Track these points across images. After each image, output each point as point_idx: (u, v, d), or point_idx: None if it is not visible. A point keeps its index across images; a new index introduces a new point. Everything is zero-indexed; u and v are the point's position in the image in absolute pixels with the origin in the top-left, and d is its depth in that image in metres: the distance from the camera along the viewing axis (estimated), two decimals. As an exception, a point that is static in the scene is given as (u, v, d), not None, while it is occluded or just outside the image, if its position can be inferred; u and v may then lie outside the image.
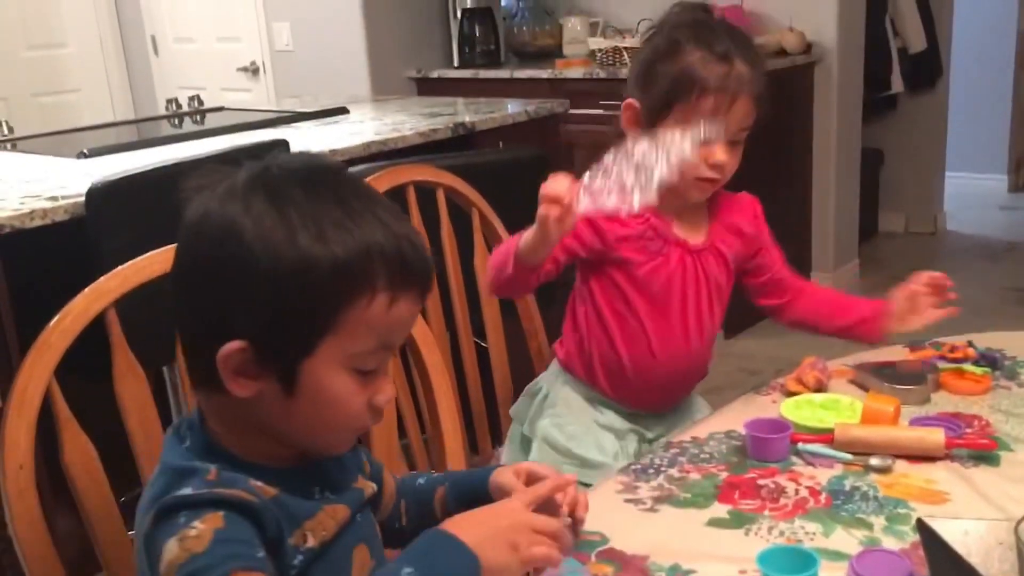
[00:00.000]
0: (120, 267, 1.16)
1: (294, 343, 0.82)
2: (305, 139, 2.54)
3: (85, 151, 2.43)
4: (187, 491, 0.81)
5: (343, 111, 3.04)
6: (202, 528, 0.78)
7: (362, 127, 2.75)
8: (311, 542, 0.85)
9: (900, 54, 4.52)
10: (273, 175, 0.83)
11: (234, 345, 0.81)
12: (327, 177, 0.85)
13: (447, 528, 0.85)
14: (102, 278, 1.14)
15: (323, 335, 0.82)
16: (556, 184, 1.20)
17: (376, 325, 0.83)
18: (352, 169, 2.19)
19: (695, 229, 1.47)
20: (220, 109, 3.45)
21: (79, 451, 1.09)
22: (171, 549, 0.78)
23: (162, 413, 1.18)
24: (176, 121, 3.31)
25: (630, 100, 1.40)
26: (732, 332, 3.66)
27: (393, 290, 0.83)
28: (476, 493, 1.04)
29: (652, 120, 1.37)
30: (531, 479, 1.02)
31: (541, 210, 1.21)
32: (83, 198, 1.85)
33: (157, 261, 1.17)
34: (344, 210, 0.81)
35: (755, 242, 1.51)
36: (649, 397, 1.51)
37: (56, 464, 1.09)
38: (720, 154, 1.37)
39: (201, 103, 3.42)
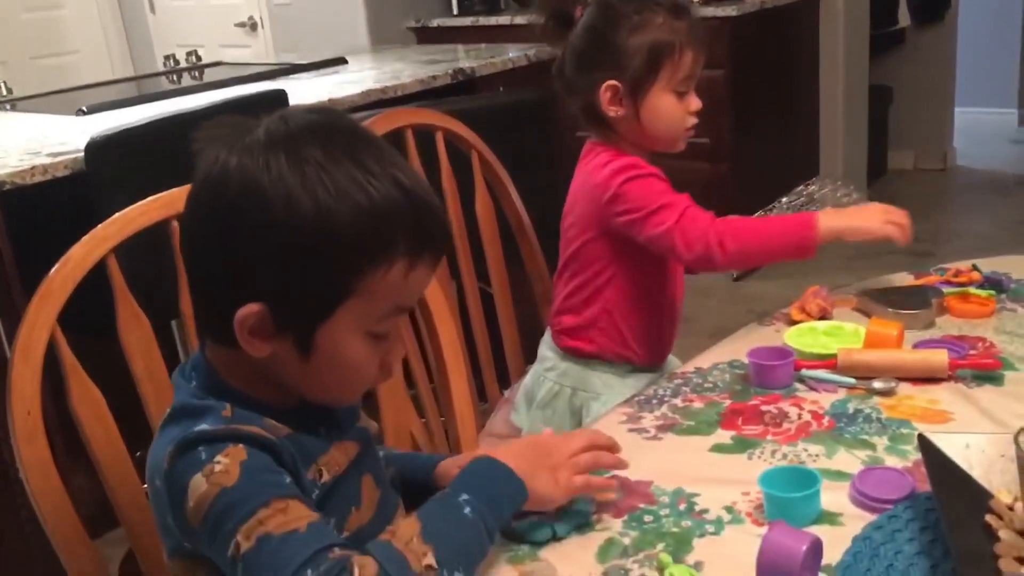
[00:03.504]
0: (119, 213, 1.16)
1: (312, 307, 0.82)
2: (303, 89, 2.52)
3: (84, 108, 2.42)
4: (204, 426, 0.82)
5: (341, 61, 3.02)
6: (227, 462, 0.79)
7: (361, 76, 2.73)
8: (325, 477, 0.87)
9: (906, -13, 4.45)
10: (293, 134, 0.81)
11: (252, 308, 0.81)
12: (344, 134, 0.83)
13: (500, 455, 0.89)
14: (102, 224, 1.14)
15: (341, 300, 0.82)
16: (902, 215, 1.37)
17: (394, 290, 0.83)
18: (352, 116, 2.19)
19: None
20: (218, 64, 3.43)
21: (86, 397, 1.10)
22: (198, 485, 0.79)
23: (169, 361, 1.19)
24: (174, 77, 3.30)
25: (610, 82, 1.44)
26: (740, 275, 3.65)
27: (412, 256, 0.82)
28: (419, 478, 1.04)
29: (636, 92, 1.43)
30: None
31: (891, 230, 1.35)
32: (82, 153, 1.85)
33: (156, 207, 1.17)
34: (363, 172, 0.80)
35: None
36: (669, 342, 1.57)
37: (72, 426, 1.10)
38: (698, 102, 1.47)
39: (199, 59, 3.40)
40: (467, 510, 0.83)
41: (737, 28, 3.51)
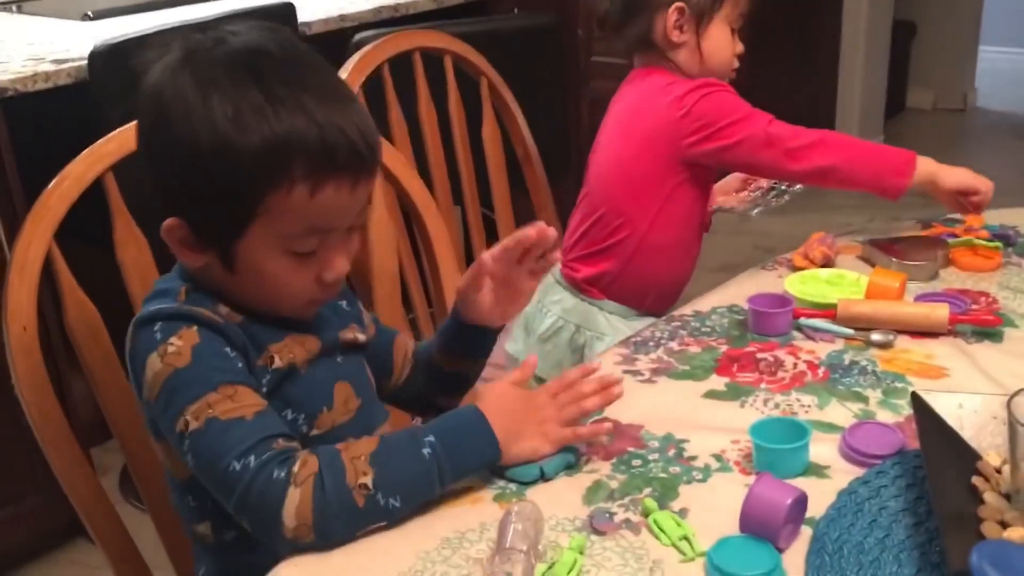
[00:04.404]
0: (117, 131, 1.14)
1: (222, 225, 0.85)
2: (312, 2, 2.46)
3: (90, 13, 2.37)
4: (160, 306, 0.86)
5: (354, -26, 2.94)
6: (180, 344, 0.83)
7: (372, -9, 2.66)
8: (278, 363, 0.89)
9: (939, -81, 4.31)
10: (203, 56, 0.84)
11: (172, 221, 0.86)
12: (258, 60, 0.84)
13: (484, 406, 0.89)
14: (99, 141, 1.13)
15: (248, 220, 0.84)
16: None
17: (301, 212, 0.84)
18: (360, 35, 2.15)
19: None
20: (227, -29, 3.34)
21: (83, 315, 1.10)
22: (154, 363, 0.84)
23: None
24: (182, -17, 3.22)
25: (679, 4, 1.44)
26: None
27: (314, 179, 0.83)
28: (448, 322, 1.09)
29: (701, 19, 1.45)
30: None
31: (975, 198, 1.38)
32: (86, 61, 1.82)
33: (154, 125, 1.16)
34: (267, 97, 0.81)
35: None
36: (681, 288, 1.58)
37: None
38: (741, 45, 1.50)
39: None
40: (426, 451, 0.84)
41: (761, -44, 3.42)
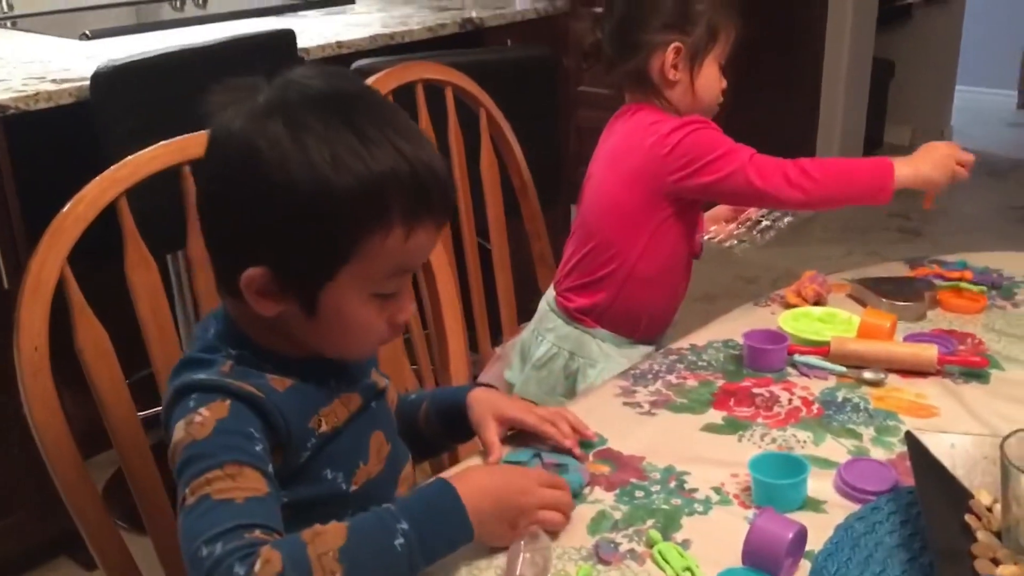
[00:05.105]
0: (131, 156, 1.16)
1: (312, 270, 0.84)
2: (311, 29, 2.49)
3: (87, 33, 2.39)
4: (201, 376, 0.85)
5: (349, 1, 2.98)
6: (207, 416, 0.82)
7: (368, 19, 2.70)
8: (324, 427, 0.89)
9: (919, -38, 4.42)
10: (291, 100, 0.83)
11: (256, 271, 0.84)
12: (345, 102, 0.84)
13: (460, 486, 0.85)
14: (114, 167, 1.14)
15: (340, 264, 0.84)
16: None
17: (394, 254, 0.84)
18: (359, 63, 2.18)
19: None
20: (223, -7, 3.37)
21: (92, 336, 1.11)
22: (179, 430, 0.83)
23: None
24: (177, 3, 3.24)
25: (676, 44, 1.48)
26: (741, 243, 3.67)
27: (410, 221, 0.84)
28: (454, 409, 1.08)
29: (695, 58, 1.49)
30: (511, 424, 1.05)
31: (959, 174, 1.43)
32: (87, 82, 1.83)
33: (168, 151, 1.18)
34: (360, 138, 0.81)
35: None
36: (672, 316, 1.62)
37: (60, 347, 1.11)
38: (724, 80, 1.55)
39: (204, -14, 3.34)
40: (399, 541, 0.79)
41: (748, -7, 3.49)
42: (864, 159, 1.46)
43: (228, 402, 0.83)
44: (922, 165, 1.42)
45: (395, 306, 0.89)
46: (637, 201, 1.51)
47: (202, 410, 0.83)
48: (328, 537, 0.77)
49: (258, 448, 0.82)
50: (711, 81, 1.51)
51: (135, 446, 1.13)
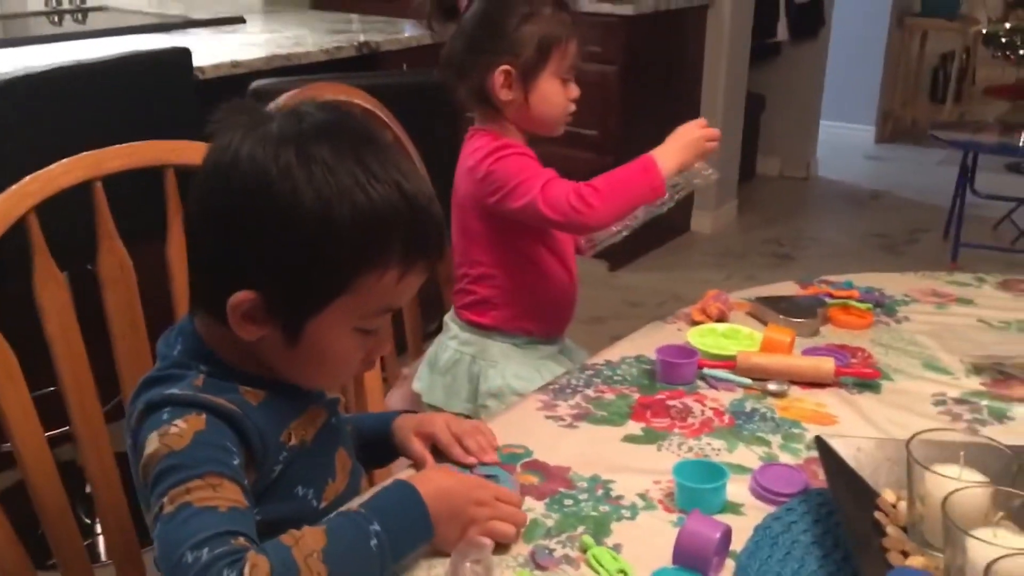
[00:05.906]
0: (42, 170, 1.13)
1: (305, 301, 0.85)
2: (205, 47, 2.46)
3: (-36, 45, 2.29)
4: (174, 391, 0.84)
5: (239, 20, 2.95)
6: (183, 427, 0.81)
7: (262, 39, 2.68)
8: (294, 440, 0.90)
9: (787, 3, 4.67)
10: (305, 131, 0.83)
11: (246, 295, 0.84)
12: (354, 138, 0.85)
13: (420, 487, 0.87)
14: (24, 180, 1.11)
15: (334, 297, 0.85)
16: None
17: (386, 292, 0.86)
18: (257, 83, 2.16)
19: None
20: (103, 9, 3.28)
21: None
22: (152, 442, 0.81)
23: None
24: (55, 19, 3.14)
25: (504, 66, 1.51)
26: (616, 266, 3.78)
27: (406, 261, 0.86)
28: (379, 436, 1.10)
29: (527, 77, 1.52)
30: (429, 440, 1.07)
31: (711, 149, 1.55)
32: (-28, 95, 1.76)
33: (81, 166, 1.16)
34: (368, 175, 0.82)
35: None
36: (566, 317, 1.66)
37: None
38: (577, 90, 1.57)
39: (83, 1, 3.25)
40: (374, 542, 0.81)
41: (632, 27, 3.62)
42: (630, 164, 1.52)
43: (204, 416, 0.83)
44: (677, 151, 1.52)
45: (374, 342, 0.91)
46: (481, 222, 1.56)
47: (178, 422, 0.82)
48: (309, 540, 0.78)
49: (235, 462, 0.82)
50: (548, 97, 1.54)
51: (40, 460, 1.09)
